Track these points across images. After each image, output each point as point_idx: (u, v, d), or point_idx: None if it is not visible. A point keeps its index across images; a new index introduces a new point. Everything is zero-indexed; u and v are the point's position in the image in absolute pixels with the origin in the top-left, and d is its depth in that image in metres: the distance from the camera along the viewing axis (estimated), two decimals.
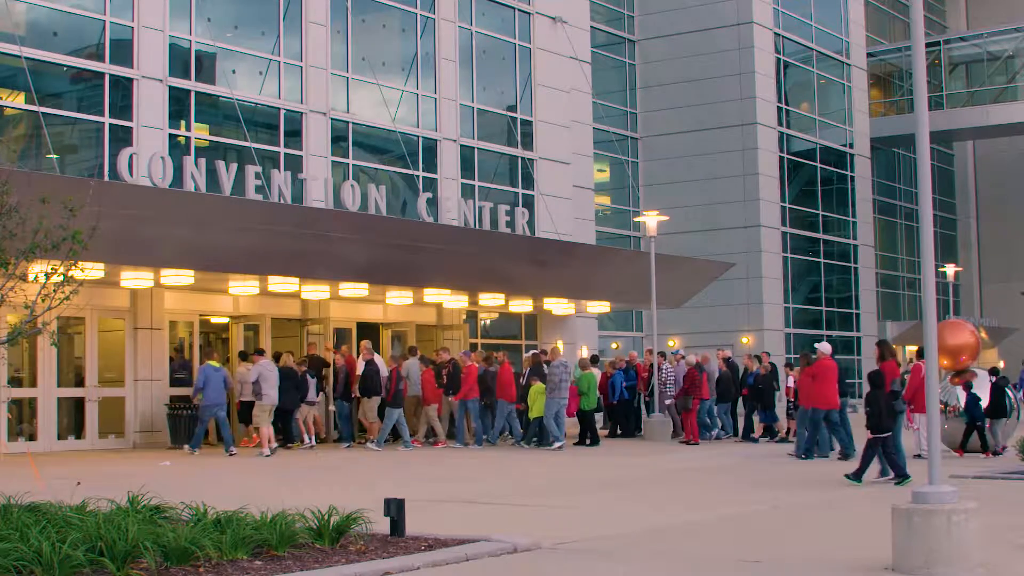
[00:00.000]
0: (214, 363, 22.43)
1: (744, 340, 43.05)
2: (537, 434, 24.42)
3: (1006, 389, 21.57)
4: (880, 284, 54.41)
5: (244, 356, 23.53)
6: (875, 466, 16.14)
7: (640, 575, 8.97)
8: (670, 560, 9.65)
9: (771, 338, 44.68)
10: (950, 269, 52.90)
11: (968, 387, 21.19)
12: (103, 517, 9.12)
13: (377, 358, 24.62)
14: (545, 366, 24.56)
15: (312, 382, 24.17)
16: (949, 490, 8.74)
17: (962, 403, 20.97)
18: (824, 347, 20.61)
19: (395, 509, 9.96)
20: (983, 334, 44.46)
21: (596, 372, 27.04)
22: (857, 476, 15.72)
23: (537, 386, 24.27)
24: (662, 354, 27.72)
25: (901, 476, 15.63)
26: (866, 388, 16.30)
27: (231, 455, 21.42)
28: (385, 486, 13.45)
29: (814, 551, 10.12)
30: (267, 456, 21.25)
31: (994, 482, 15.97)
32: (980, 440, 20.75)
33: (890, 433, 15.72)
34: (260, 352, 23.18)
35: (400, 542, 9.68)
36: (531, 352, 26.65)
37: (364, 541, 9.55)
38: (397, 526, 9.96)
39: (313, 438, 24.08)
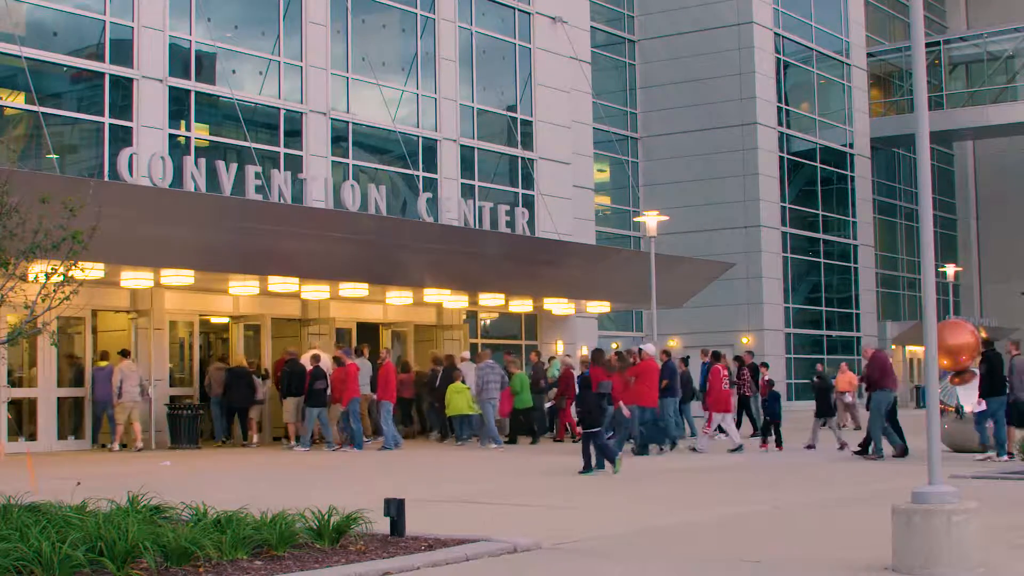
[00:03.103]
0: (102, 363, 23.15)
1: (744, 340, 43.05)
2: (455, 430, 25.22)
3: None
4: (880, 284, 54.41)
5: (125, 354, 23.21)
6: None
7: (640, 575, 8.97)
8: (670, 560, 9.65)
9: (771, 338, 44.69)
10: (950, 269, 52.90)
11: (770, 384, 24.00)
12: (103, 517, 9.12)
13: (325, 359, 24.24)
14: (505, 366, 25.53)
15: (260, 383, 24.82)
16: (949, 490, 8.73)
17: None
18: (649, 348, 22.16)
19: (395, 509, 9.96)
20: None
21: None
22: (587, 469, 17.56)
23: (454, 385, 24.67)
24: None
25: (588, 468, 17.58)
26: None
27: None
28: (384, 486, 13.46)
29: (814, 551, 10.12)
30: (117, 451, 22.36)
31: (994, 482, 15.98)
32: (775, 435, 22.96)
33: (600, 428, 17.92)
34: (125, 353, 23.14)
35: (400, 542, 9.68)
36: (445, 354, 27.15)
37: (364, 541, 9.55)
38: (397, 526, 9.95)
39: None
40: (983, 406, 19.78)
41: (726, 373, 22.90)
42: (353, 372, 23.36)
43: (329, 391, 23.37)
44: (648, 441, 21.76)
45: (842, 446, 22.33)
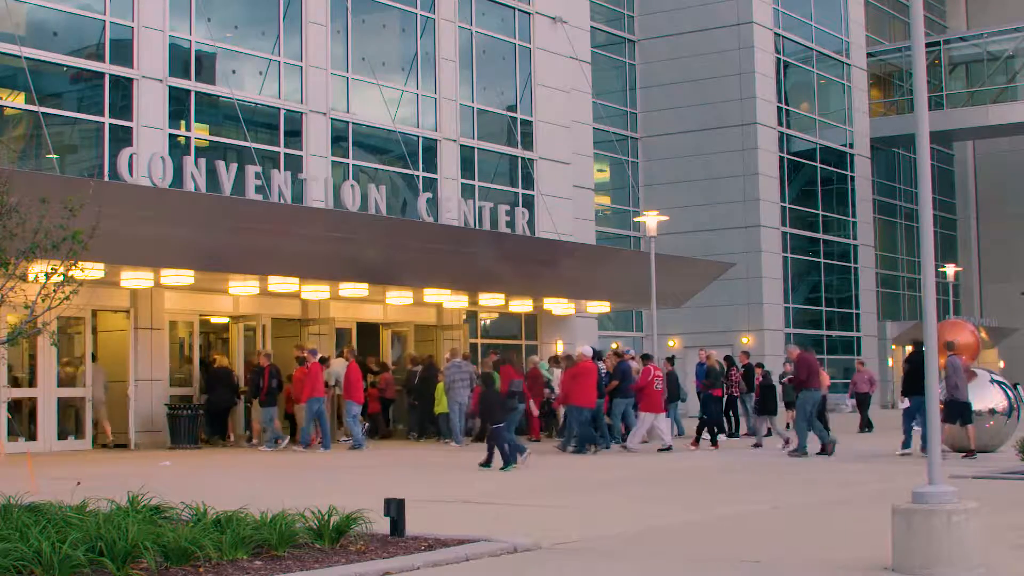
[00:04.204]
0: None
1: (744, 340, 43.06)
2: (445, 430, 25.47)
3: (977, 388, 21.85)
4: (880, 284, 54.41)
5: (94, 358, 23.55)
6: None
7: (640, 575, 8.98)
8: (670, 560, 9.66)
9: (771, 338, 44.68)
10: (950, 269, 52.90)
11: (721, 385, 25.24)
12: (103, 517, 9.12)
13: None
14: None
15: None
16: (949, 490, 8.73)
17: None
18: (586, 350, 23.05)
19: (395, 509, 9.95)
20: (983, 334, 44.50)
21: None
22: (487, 463, 18.09)
23: (442, 384, 25.26)
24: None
25: (507, 462, 17.96)
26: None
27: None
28: (384, 486, 13.45)
29: (814, 551, 10.12)
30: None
31: (994, 482, 15.98)
32: (709, 434, 24.00)
33: (503, 424, 18.37)
34: (93, 357, 23.49)
35: (400, 542, 9.68)
36: (423, 354, 27.67)
37: (364, 541, 9.54)
38: (397, 526, 9.95)
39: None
40: (906, 403, 20.58)
41: (659, 375, 23.39)
42: (315, 372, 23.32)
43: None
44: (583, 440, 22.09)
45: (785, 443, 23.04)
